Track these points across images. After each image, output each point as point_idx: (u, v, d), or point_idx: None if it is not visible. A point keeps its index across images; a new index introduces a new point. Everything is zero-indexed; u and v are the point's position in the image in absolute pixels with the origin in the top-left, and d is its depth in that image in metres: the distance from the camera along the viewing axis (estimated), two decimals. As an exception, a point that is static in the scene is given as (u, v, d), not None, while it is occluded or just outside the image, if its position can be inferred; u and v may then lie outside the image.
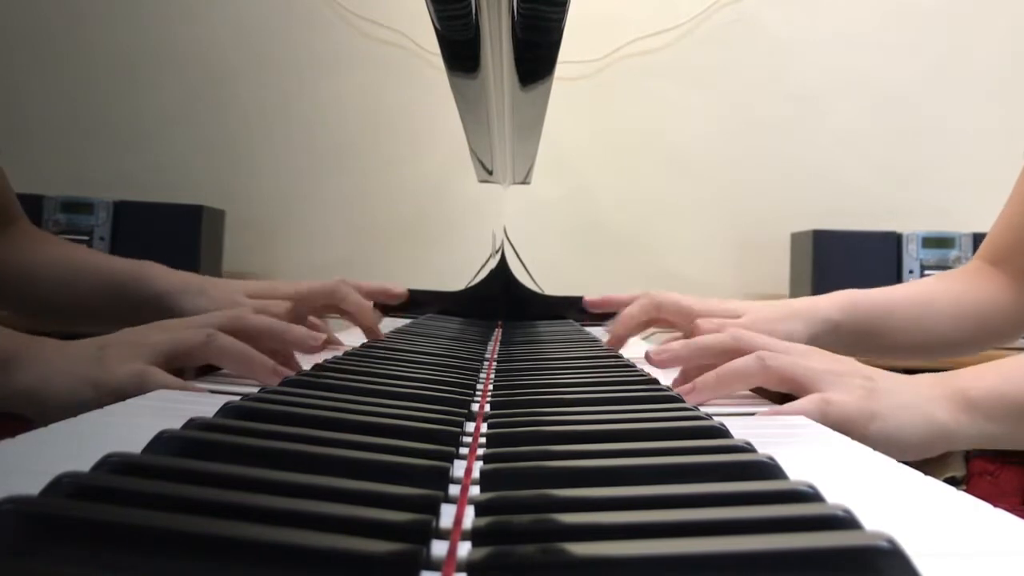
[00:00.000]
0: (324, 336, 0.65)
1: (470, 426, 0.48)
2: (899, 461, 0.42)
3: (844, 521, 0.28)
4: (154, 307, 0.83)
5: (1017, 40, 2.37)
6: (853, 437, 0.49)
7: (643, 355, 0.70)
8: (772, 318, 0.81)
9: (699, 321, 0.78)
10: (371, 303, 0.91)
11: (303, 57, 2.40)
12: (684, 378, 0.65)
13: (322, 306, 0.90)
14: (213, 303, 0.81)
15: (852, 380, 0.58)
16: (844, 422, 0.55)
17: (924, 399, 0.58)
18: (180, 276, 0.86)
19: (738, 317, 0.81)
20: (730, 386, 0.60)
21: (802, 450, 0.47)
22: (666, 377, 0.67)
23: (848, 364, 0.61)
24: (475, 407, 0.54)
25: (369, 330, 0.89)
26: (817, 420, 0.55)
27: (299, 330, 0.65)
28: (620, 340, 0.90)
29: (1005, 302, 0.89)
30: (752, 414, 0.58)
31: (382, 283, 0.95)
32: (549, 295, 1.41)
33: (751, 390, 0.65)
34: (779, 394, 0.62)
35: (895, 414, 0.57)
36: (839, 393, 0.57)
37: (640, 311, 0.87)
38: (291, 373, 0.60)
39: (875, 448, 0.45)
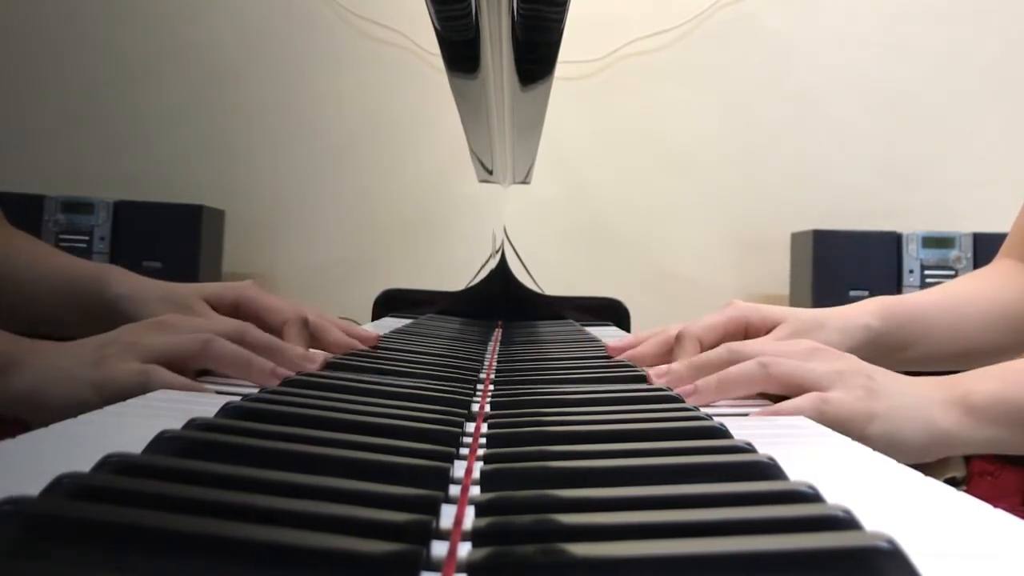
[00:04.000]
0: (320, 359, 0.65)
1: (470, 426, 0.48)
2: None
3: (844, 521, 0.28)
4: (111, 311, 0.78)
5: (1017, 40, 2.37)
6: (852, 437, 0.48)
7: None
8: (809, 327, 0.79)
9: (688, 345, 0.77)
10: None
11: (303, 57, 2.40)
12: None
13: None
14: (173, 310, 0.76)
15: (853, 379, 0.57)
16: (842, 422, 0.55)
17: (925, 401, 0.57)
18: (141, 281, 0.81)
19: (781, 322, 0.79)
20: (731, 391, 0.60)
21: (802, 451, 0.47)
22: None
23: (851, 363, 0.60)
24: (475, 407, 0.54)
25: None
26: (815, 419, 0.54)
27: (296, 352, 0.64)
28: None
29: None
30: (748, 414, 0.57)
31: (350, 342, 0.78)
32: (549, 295, 1.41)
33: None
34: (779, 396, 0.62)
35: (895, 416, 0.56)
36: (838, 392, 0.56)
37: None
38: (290, 373, 0.60)
39: (874, 449, 0.45)
